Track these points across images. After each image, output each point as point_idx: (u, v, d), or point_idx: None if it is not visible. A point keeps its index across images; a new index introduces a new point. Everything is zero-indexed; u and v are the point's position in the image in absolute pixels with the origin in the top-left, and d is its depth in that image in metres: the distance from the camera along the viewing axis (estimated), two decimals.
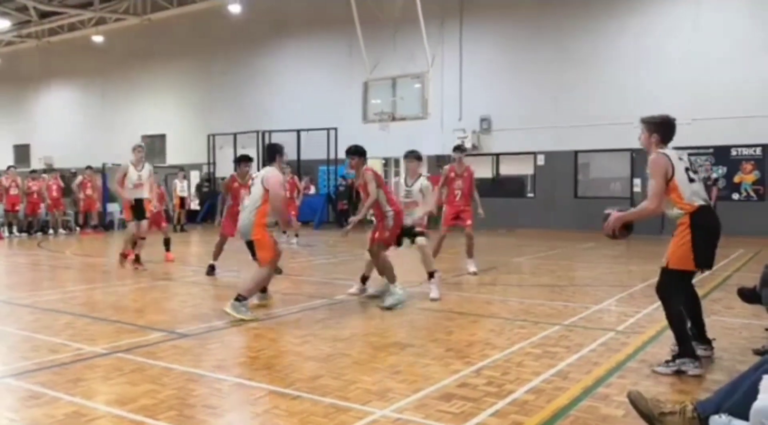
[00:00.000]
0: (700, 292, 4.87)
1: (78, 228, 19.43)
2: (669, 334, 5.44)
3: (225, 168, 23.56)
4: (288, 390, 3.97)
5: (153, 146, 27.31)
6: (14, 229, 17.69)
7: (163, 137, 26.95)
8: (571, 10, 18.39)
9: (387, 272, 6.94)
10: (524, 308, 6.73)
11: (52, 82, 30.74)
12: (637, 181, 16.75)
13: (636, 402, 3.31)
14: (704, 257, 4.43)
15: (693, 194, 4.45)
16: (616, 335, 5.48)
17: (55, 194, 18.71)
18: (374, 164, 19.53)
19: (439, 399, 3.81)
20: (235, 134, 23.09)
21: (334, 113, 21.30)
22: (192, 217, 23.15)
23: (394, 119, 18.01)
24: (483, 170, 20.80)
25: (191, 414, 3.60)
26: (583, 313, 6.40)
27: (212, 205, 23.91)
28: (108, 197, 20.66)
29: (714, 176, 13.89)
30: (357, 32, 18.32)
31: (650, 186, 4.50)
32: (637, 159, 17.32)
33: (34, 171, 20.09)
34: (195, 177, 25.26)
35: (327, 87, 22.20)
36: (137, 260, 10.03)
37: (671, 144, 4.70)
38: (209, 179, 24.35)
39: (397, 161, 25.68)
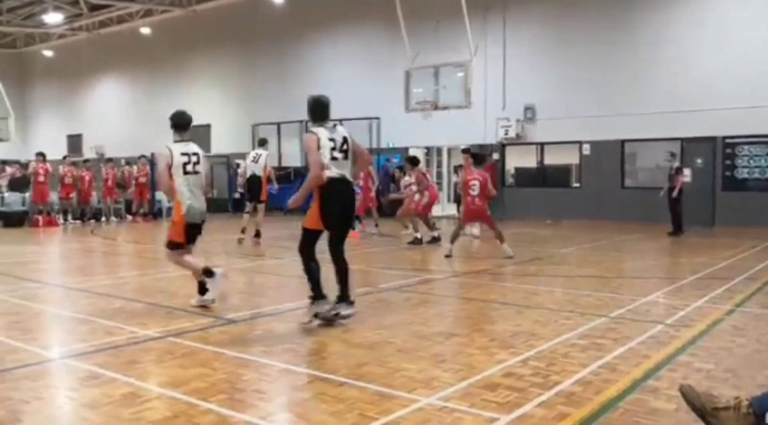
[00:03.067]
0: (757, 284, 4.77)
1: (129, 216, 19.99)
2: (721, 328, 5.34)
3: (270, 157, 23.87)
4: (334, 376, 4.03)
5: (198, 136, 27.82)
6: (69, 216, 18.31)
7: (208, 127, 27.40)
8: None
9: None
10: (570, 300, 6.65)
11: (102, 74, 31.55)
12: (687, 171, 16.31)
13: (688, 396, 3.24)
14: (329, 221, 5.39)
15: (330, 167, 5.31)
16: (665, 327, 5.37)
17: (109, 183, 19.27)
18: (416, 152, 19.50)
19: (484, 388, 3.81)
20: (278, 124, 23.35)
21: (376, 102, 21.32)
22: (238, 206, 23.52)
23: (436, 108, 17.91)
24: (527, 160, 20.56)
25: (241, 398, 3.69)
26: (630, 305, 6.29)
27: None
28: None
29: (676, 164, 13.96)
30: (399, 22, 18.24)
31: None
32: (687, 148, 16.85)
33: (87, 161, 20.72)
34: (242, 165, 25.64)
35: (369, 77, 22.21)
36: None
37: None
38: None
39: (439, 150, 25.60)
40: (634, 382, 3.93)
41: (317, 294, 5.45)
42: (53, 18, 27.01)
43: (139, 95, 30.15)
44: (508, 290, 7.32)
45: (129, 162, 20.42)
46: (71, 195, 18.43)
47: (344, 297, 5.50)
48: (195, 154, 6.28)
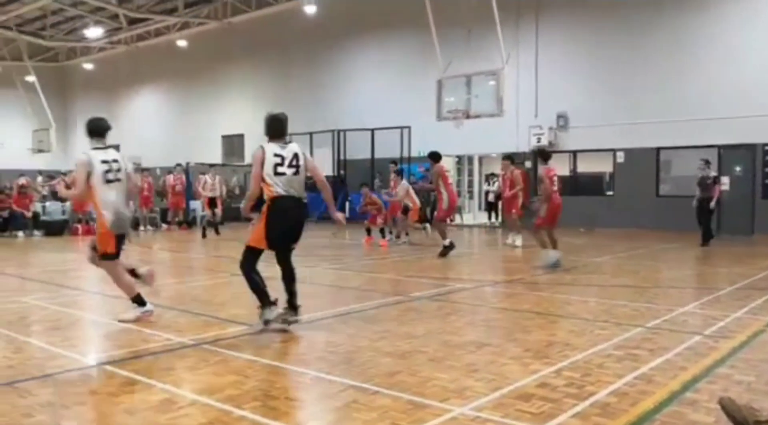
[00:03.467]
0: None
1: (164, 225, 20.34)
2: (762, 339, 5.22)
3: None
4: (367, 385, 4.04)
5: (232, 146, 28.26)
6: None
7: (241, 136, 27.80)
8: (651, 2, 17.70)
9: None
10: (605, 309, 6.56)
11: (140, 85, 32.30)
12: (725, 179, 15.97)
13: (728, 409, 3.17)
14: (271, 241, 5.47)
15: (275, 184, 5.38)
16: (703, 339, 5.26)
17: (145, 192, 19.63)
18: (447, 161, 19.48)
19: (518, 398, 3.78)
20: (311, 134, 23.53)
21: (408, 111, 21.39)
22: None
23: (468, 116, 17.91)
24: (560, 168, 20.36)
25: (275, 405, 3.72)
26: (667, 315, 6.17)
27: None
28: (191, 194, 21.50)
29: (713, 173, 13.36)
30: (431, 31, 18.31)
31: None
32: (725, 156, 16.50)
33: None
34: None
35: (400, 86, 22.30)
36: None
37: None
38: None
39: (470, 159, 25.52)
40: (671, 394, 3.85)
41: (265, 302, 5.51)
42: (94, 32, 27.81)
43: (175, 106, 30.77)
44: (542, 300, 7.25)
45: (170, 171, 20.77)
46: None
47: (292, 305, 5.62)
48: (115, 161, 6.05)
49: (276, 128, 5.65)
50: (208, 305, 6.91)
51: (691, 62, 17.04)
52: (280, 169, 5.43)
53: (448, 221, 12.16)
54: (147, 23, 28.36)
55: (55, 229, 17.61)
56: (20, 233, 17.03)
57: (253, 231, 5.56)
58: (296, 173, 5.52)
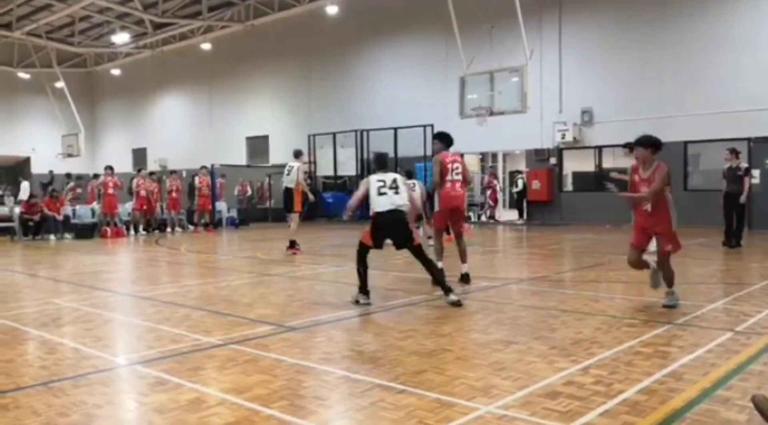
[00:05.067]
0: None
1: (191, 226, 20.58)
2: None
3: (326, 167, 24.22)
4: (393, 383, 4.05)
5: (256, 147, 28.50)
6: (140, 227, 18.90)
7: (266, 137, 28.02)
8: None
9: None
10: (633, 306, 6.48)
11: (165, 89, 32.74)
12: (756, 171, 15.65)
13: (761, 407, 3.12)
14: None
15: (377, 204, 6.76)
16: (734, 335, 5.17)
17: (174, 194, 19.87)
18: (471, 159, 19.42)
19: (545, 396, 3.76)
20: (334, 134, 23.65)
21: (431, 109, 21.35)
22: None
23: (492, 113, 17.81)
24: (585, 164, 20.17)
25: (302, 404, 3.75)
26: (696, 312, 6.08)
27: (314, 202, 24.69)
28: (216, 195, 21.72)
29: (744, 165, 12.08)
30: (453, 28, 18.24)
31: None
32: (755, 148, 16.19)
33: (152, 173, 21.44)
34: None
35: (423, 84, 22.27)
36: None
37: None
38: (310, 177, 25.10)
39: (494, 156, 25.40)
40: (702, 392, 3.80)
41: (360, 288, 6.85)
42: (121, 38, 28.29)
43: (200, 108, 31.13)
44: (568, 297, 7.19)
45: (195, 174, 21.01)
46: (144, 207, 19.01)
47: (442, 286, 6.83)
48: None
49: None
50: (235, 305, 6.98)
51: (718, 53, 16.74)
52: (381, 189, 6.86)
53: (468, 226, 9.49)
54: (172, 28, 28.74)
55: (85, 232, 17.95)
56: (52, 237, 17.38)
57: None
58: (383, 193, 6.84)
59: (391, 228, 6.80)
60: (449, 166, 8.02)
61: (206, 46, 28.30)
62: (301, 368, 4.49)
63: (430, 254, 7.66)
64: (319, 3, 24.34)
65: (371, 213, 6.83)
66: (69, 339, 5.49)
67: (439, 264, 7.82)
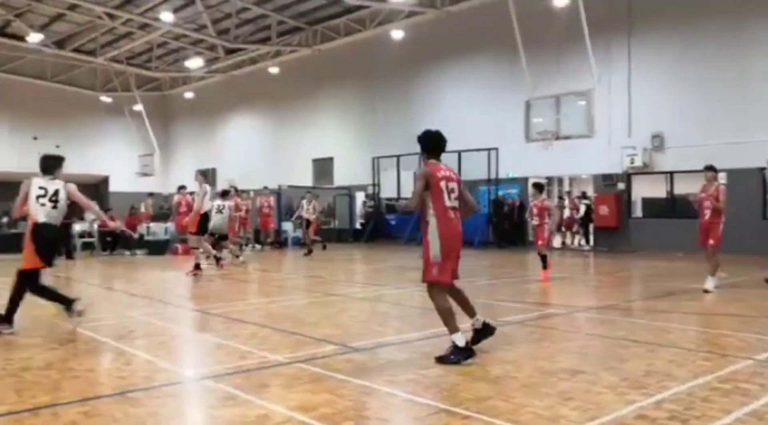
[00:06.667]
0: None
1: (257, 246, 21.06)
2: None
3: (389, 189, 24.39)
4: (458, 409, 4.02)
5: (322, 169, 29.01)
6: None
7: (330, 159, 28.49)
8: (751, 17, 16.82)
9: None
10: (708, 339, 6.22)
11: (235, 111, 33.84)
12: None
13: None
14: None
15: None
16: None
17: (243, 214, 20.39)
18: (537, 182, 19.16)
19: None
20: (398, 156, 23.80)
21: (495, 133, 21.25)
22: (358, 235, 24.30)
23: (557, 137, 17.59)
24: (656, 189, 19.56)
25: None
26: None
27: (377, 223, 24.89)
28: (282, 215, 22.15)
29: None
30: (519, 52, 18.18)
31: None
32: None
33: (238, 191, 22.01)
34: (360, 197, 26.50)
35: (488, 108, 22.20)
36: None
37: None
38: (374, 199, 25.34)
39: (560, 180, 24.97)
40: None
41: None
42: (194, 63, 29.51)
43: (268, 130, 31.99)
44: (638, 327, 6.96)
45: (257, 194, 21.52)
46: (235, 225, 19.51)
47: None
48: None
49: (48, 166, 6.76)
50: (301, 324, 7.09)
51: None
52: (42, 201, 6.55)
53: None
54: (242, 53, 29.80)
55: (157, 248, 18.64)
56: (126, 252, 18.13)
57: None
58: (55, 206, 6.61)
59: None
60: (442, 184, 5.43)
61: (274, 70, 29.16)
62: (365, 389, 4.52)
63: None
64: (384, 27, 24.74)
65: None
66: (143, 352, 5.71)
67: (461, 339, 5.30)
